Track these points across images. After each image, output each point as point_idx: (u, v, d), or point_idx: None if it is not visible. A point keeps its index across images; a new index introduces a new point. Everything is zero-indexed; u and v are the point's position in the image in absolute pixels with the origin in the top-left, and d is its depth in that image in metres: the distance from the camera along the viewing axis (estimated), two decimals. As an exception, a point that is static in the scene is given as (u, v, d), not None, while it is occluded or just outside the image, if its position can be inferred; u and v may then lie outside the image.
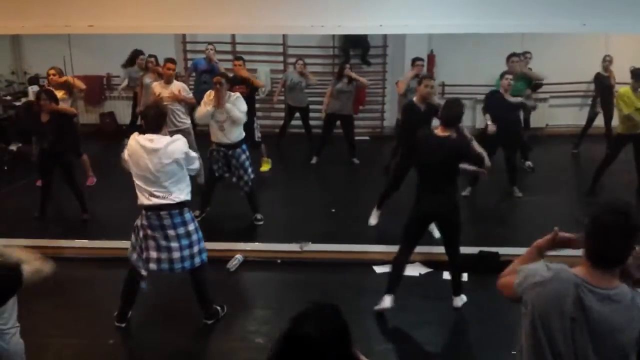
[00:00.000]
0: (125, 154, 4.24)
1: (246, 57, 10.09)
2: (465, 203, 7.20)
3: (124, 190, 4.73)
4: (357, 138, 9.15)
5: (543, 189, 7.70)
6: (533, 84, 8.24)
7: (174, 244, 4.29)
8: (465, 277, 5.11)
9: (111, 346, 4.40)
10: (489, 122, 6.94)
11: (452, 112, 4.54)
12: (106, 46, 9.55)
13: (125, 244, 4.55)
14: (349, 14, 5.11)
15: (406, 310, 4.80)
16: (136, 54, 9.01)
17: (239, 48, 10.26)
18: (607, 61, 8.94)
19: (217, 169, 6.29)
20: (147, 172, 4.14)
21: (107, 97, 10.95)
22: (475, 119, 10.39)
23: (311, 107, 9.29)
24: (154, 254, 4.31)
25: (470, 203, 7.26)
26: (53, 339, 4.43)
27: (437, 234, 5.63)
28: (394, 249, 4.79)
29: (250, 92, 7.64)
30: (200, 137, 7.09)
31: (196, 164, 4.35)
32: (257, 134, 7.99)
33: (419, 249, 4.89)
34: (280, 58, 10.41)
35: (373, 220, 6.44)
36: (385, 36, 10.13)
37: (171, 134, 4.45)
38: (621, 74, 8.78)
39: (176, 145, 4.17)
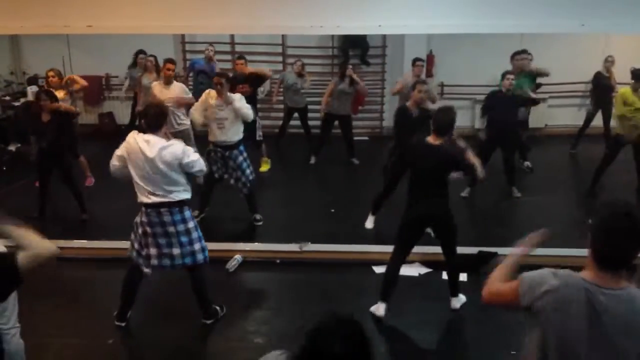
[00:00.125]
0: (121, 152, 4.20)
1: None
2: (464, 203, 7.22)
3: (123, 191, 4.72)
4: (356, 138, 9.15)
5: (542, 189, 7.71)
6: (535, 83, 8.25)
7: (174, 240, 4.30)
8: (464, 277, 5.12)
9: (111, 346, 4.40)
10: (481, 130, 6.97)
11: (444, 119, 4.48)
12: (105, 46, 9.56)
13: (124, 244, 4.55)
14: (348, 15, 5.11)
15: (405, 311, 4.80)
16: (139, 54, 9.01)
17: (238, 48, 10.26)
18: (609, 61, 8.93)
19: (216, 170, 6.28)
20: (145, 172, 4.15)
21: (106, 97, 10.96)
22: (474, 119, 10.39)
23: (310, 107, 9.29)
24: (154, 251, 4.33)
25: (469, 203, 7.27)
26: (53, 338, 4.43)
27: None
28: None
29: (253, 91, 7.65)
30: (199, 138, 7.10)
31: (197, 166, 4.27)
32: (259, 133, 8.00)
33: (418, 249, 4.89)
34: (280, 58, 10.41)
35: (369, 224, 6.44)
36: (384, 36, 10.14)
37: (171, 134, 4.46)
38: (620, 74, 8.79)
39: (170, 150, 4.14)
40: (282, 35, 10.14)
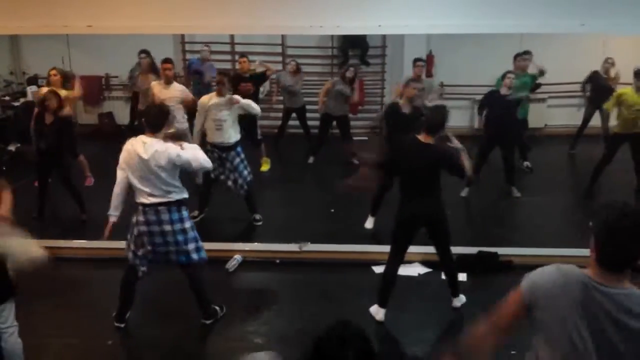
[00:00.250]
0: (121, 163, 4.22)
1: (245, 58, 10.12)
2: (463, 203, 7.22)
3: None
4: (355, 138, 9.14)
5: (541, 189, 7.71)
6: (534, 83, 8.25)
7: (170, 239, 4.32)
8: (464, 277, 5.12)
9: (110, 346, 4.39)
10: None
11: (436, 118, 4.46)
12: (105, 46, 9.56)
13: (123, 244, 4.55)
14: (347, 15, 5.11)
15: (405, 311, 4.80)
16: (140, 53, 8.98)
17: (237, 48, 10.26)
18: (608, 63, 8.93)
19: (213, 170, 6.28)
20: (142, 172, 4.16)
21: (106, 97, 10.95)
22: (473, 119, 10.40)
23: (308, 107, 9.28)
24: (149, 248, 4.33)
25: (469, 203, 7.28)
26: (52, 339, 4.43)
27: None
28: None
29: (255, 89, 7.67)
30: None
31: (195, 163, 4.26)
32: (259, 132, 8.01)
33: (418, 249, 4.90)
34: (279, 58, 10.40)
35: (369, 224, 6.44)
36: (384, 36, 10.14)
37: (168, 134, 4.47)
38: (621, 73, 8.80)
39: (164, 155, 4.14)
40: (282, 35, 10.14)
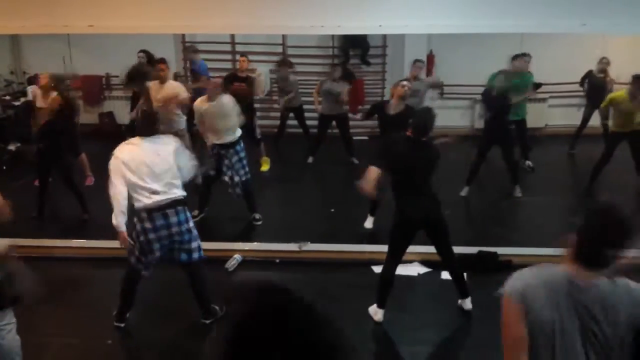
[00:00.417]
0: (116, 172, 4.19)
1: (246, 57, 10.11)
2: (463, 203, 7.22)
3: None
4: (356, 138, 9.13)
5: (542, 189, 7.71)
6: (532, 83, 8.25)
7: (177, 238, 4.34)
8: (464, 277, 5.12)
9: (110, 346, 4.40)
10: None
11: (421, 122, 4.42)
12: (105, 46, 9.55)
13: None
14: (348, 14, 5.11)
15: (404, 311, 4.81)
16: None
17: (238, 48, 10.25)
18: (603, 63, 8.93)
19: (207, 170, 6.31)
20: (151, 168, 4.18)
21: (106, 97, 10.94)
22: (473, 119, 10.40)
23: (306, 107, 9.28)
24: (158, 254, 4.34)
25: (469, 203, 7.28)
26: (52, 338, 4.43)
27: None
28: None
29: (249, 91, 7.68)
30: (196, 138, 7.11)
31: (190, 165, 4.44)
32: (258, 131, 8.01)
33: (418, 248, 4.89)
34: (280, 58, 10.39)
35: (368, 224, 6.43)
36: (384, 36, 10.13)
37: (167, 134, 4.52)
38: (619, 75, 8.79)
39: (171, 143, 4.34)
40: (283, 35, 10.13)
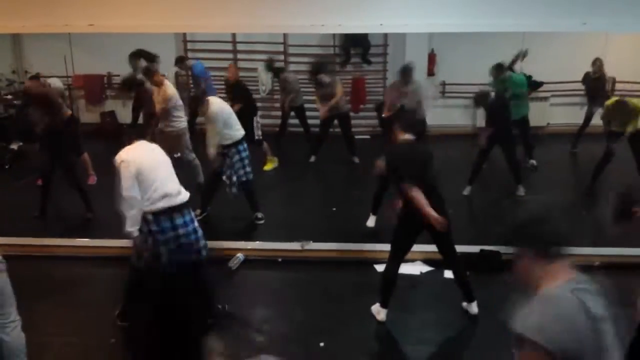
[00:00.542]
0: (131, 173, 4.11)
1: (247, 57, 10.16)
2: (466, 202, 7.21)
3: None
4: (357, 137, 9.14)
5: (544, 188, 7.69)
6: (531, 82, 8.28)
7: (183, 240, 4.32)
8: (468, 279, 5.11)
9: (113, 345, 4.40)
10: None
11: (409, 119, 4.56)
12: (107, 45, 9.56)
13: (125, 242, 4.55)
14: (349, 13, 5.10)
15: (407, 310, 4.80)
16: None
17: (239, 47, 10.28)
18: (597, 65, 8.95)
19: (217, 168, 6.31)
20: (162, 170, 4.23)
21: (108, 96, 10.96)
22: (474, 118, 10.39)
23: (307, 106, 9.29)
24: (165, 258, 4.32)
25: (471, 202, 7.27)
26: (54, 337, 4.43)
27: None
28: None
29: (242, 100, 7.75)
30: (198, 137, 7.11)
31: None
32: (257, 133, 8.00)
33: (420, 247, 4.88)
34: (281, 57, 10.40)
35: (370, 223, 6.42)
36: (385, 35, 10.13)
37: (167, 134, 4.52)
38: (621, 73, 8.80)
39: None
40: (284, 34, 10.14)
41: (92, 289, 5.21)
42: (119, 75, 10.43)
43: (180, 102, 7.07)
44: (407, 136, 4.45)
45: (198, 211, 6.34)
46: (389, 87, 6.52)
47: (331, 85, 8.35)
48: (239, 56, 10.47)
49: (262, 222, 6.52)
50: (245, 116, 6.81)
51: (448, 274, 5.12)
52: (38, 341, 4.21)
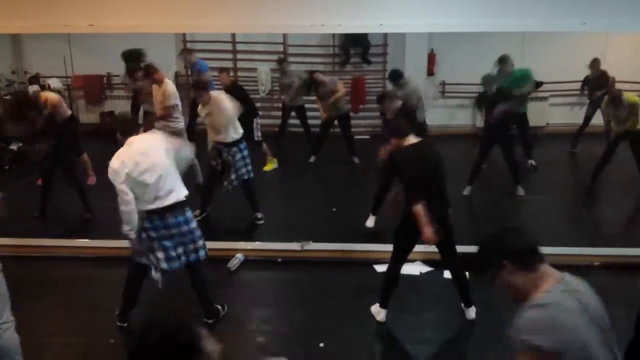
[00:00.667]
0: (123, 175, 4.10)
1: (246, 57, 10.17)
2: (465, 202, 7.21)
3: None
4: (357, 137, 9.14)
5: (544, 188, 7.70)
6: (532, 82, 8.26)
7: (178, 240, 4.32)
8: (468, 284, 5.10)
9: (112, 345, 4.40)
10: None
11: (399, 124, 4.50)
12: (106, 45, 9.54)
13: (126, 242, 4.55)
14: (349, 13, 5.10)
15: (406, 310, 4.80)
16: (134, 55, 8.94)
17: (239, 47, 10.28)
18: (595, 66, 8.97)
19: (217, 164, 6.30)
20: (155, 170, 4.15)
21: (107, 96, 10.95)
22: (474, 118, 10.39)
23: (307, 106, 9.29)
24: (161, 255, 4.32)
25: (471, 202, 7.27)
26: (54, 337, 4.44)
27: None
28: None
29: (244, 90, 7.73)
30: (198, 137, 7.11)
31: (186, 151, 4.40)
32: (257, 134, 7.99)
33: (419, 247, 4.88)
34: (281, 57, 10.40)
35: (370, 223, 6.42)
36: (385, 35, 10.13)
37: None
38: (620, 73, 8.79)
39: (157, 142, 4.27)
40: (283, 34, 10.14)
41: (91, 289, 5.21)
42: (118, 76, 10.44)
43: (179, 102, 7.06)
44: (411, 139, 4.43)
45: (197, 211, 6.35)
46: (386, 104, 6.52)
47: (330, 84, 8.36)
48: (239, 56, 10.47)
49: (262, 222, 6.53)
50: (245, 117, 6.79)
51: (447, 274, 5.12)
52: (38, 341, 4.22)
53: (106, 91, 10.95)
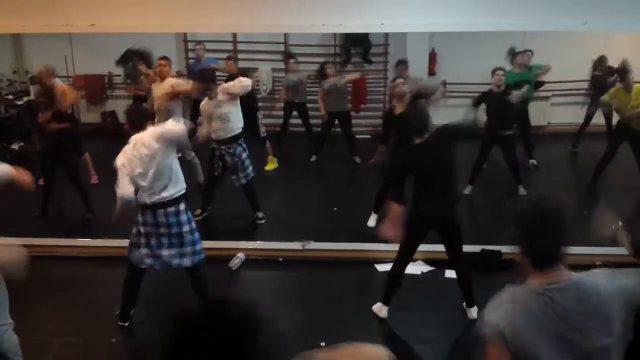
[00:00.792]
0: (123, 172, 4.18)
1: (247, 56, 10.16)
2: (467, 201, 7.21)
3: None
4: (358, 136, 9.14)
5: (545, 187, 7.69)
6: (534, 81, 8.26)
7: (164, 241, 4.33)
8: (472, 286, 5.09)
9: (113, 345, 4.41)
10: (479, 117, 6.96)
11: (416, 123, 4.47)
12: (107, 45, 9.55)
13: (127, 242, 4.56)
14: (350, 13, 5.11)
15: (408, 309, 4.80)
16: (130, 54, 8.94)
17: (240, 47, 10.27)
18: (603, 65, 8.95)
19: (217, 167, 6.29)
20: (140, 169, 4.16)
21: (109, 96, 10.95)
22: (475, 118, 10.35)
23: (309, 105, 9.28)
24: (145, 251, 4.35)
25: (472, 201, 7.27)
26: (54, 337, 4.44)
27: None
28: (396, 247, 4.69)
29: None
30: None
31: (176, 131, 4.21)
32: (262, 129, 8.00)
33: (420, 247, 4.88)
34: (282, 57, 10.40)
35: (372, 222, 6.39)
36: (386, 34, 10.12)
37: None
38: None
39: (150, 132, 4.20)
40: (284, 34, 10.13)
41: (92, 289, 5.21)
42: (119, 76, 10.45)
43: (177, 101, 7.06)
44: (417, 139, 4.44)
45: (198, 211, 6.35)
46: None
47: (336, 80, 8.39)
48: (239, 56, 10.46)
49: (262, 221, 6.52)
50: (249, 110, 6.78)
51: (449, 273, 5.12)
52: (38, 341, 4.22)
53: (107, 91, 10.94)
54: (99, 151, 8.00)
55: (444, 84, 10.02)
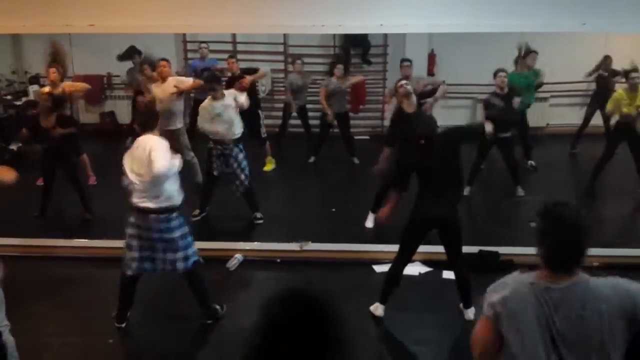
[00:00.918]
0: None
1: (247, 57, 10.13)
2: (464, 202, 7.19)
3: (124, 190, 4.73)
4: (357, 137, 9.13)
5: (544, 188, 7.69)
6: (536, 82, 8.28)
7: (156, 245, 4.33)
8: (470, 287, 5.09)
9: (110, 345, 4.41)
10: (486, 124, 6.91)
11: (422, 128, 4.49)
12: (107, 45, 9.55)
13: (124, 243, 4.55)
14: (349, 14, 5.11)
15: (406, 310, 4.80)
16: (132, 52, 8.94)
17: (239, 47, 10.26)
18: (607, 64, 8.96)
19: (215, 168, 6.29)
20: (141, 170, 4.17)
21: (108, 96, 10.94)
22: (475, 118, 10.37)
23: (308, 106, 9.27)
24: (135, 254, 4.34)
25: (470, 202, 7.26)
26: (52, 338, 4.44)
27: None
28: (394, 248, 4.72)
29: (251, 84, 7.66)
30: (198, 137, 7.10)
31: (159, 166, 4.08)
32: (263, 130, 8.00)
33: (419, 248, 4.88)
34: (281, 57, 10.40)
35: (369, 223, 6.40)
36: (385, 35, 10.13)
37: (166, 132, 4.50)
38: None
39: (147, 150, 4.15)
40: (284, 35, 10.13)
41: (91, 289, 5.21)
42: (119, 76, 10.45)
43: (180, 100, 7.07)
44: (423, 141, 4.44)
45: (197, 211, 6.36)
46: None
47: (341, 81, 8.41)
48: (239, 56, 10.43)
49: (261, 222, 6.52)
50: (251, 110, 6.78)
51: (447, 274, 5.12)
52: (37, 342, 4.22)
53: (106, 91, 10.94)
54: (97, 152, 8.01)
55: (443, 84, 10.02)
